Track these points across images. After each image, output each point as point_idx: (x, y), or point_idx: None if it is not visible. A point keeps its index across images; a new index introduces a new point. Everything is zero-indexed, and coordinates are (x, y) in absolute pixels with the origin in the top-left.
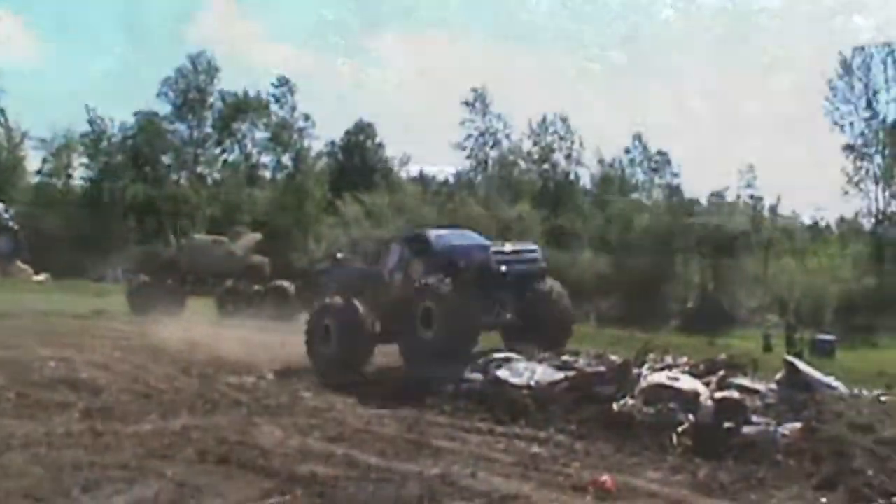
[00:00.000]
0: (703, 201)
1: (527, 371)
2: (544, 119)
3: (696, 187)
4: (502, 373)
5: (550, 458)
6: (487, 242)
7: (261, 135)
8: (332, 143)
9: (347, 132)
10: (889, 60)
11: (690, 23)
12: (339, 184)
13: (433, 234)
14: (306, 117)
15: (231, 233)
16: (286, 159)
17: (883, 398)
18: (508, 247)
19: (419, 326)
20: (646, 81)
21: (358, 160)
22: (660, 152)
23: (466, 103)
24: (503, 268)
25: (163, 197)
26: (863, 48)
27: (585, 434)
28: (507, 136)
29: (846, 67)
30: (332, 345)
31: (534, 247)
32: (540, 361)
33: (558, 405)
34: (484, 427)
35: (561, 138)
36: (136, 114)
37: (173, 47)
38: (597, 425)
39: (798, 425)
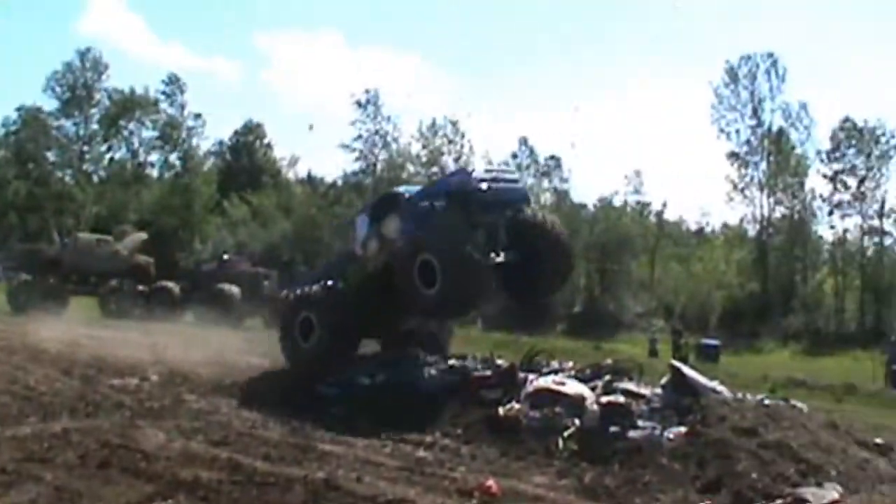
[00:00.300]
0: (591, 206)
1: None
2: (433, 122)
3: (586, 192)
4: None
5: (436, 462)
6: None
7: (149, 133)
8: (221, 142)
9: (236, 132)
10: (773, 69)
11: (583, 26)
12: (226, 184)
13: (401, 189)
14: (197, 116)
15: (116, 232)
16: (174, 158)
17: (766, 402)
18: (481, 169)
19: (419, 285)
20: (537, 86)
21: (246, 160)
22: (551, 157)
23: (358, 104)
24: (483, 185)
25: (47, 194)
26: (748, 57)
27: (471, 438)
28: (396, 139)
29: (732, 76)
30: (316, 339)
31: (511, 169)
32: (427, 365)
33: (445, 409)
34: (370, 430)
35: (450, 142)
36: (18, 109)
37: (60, 42)
38: (483, 429)
39: (683, 429)
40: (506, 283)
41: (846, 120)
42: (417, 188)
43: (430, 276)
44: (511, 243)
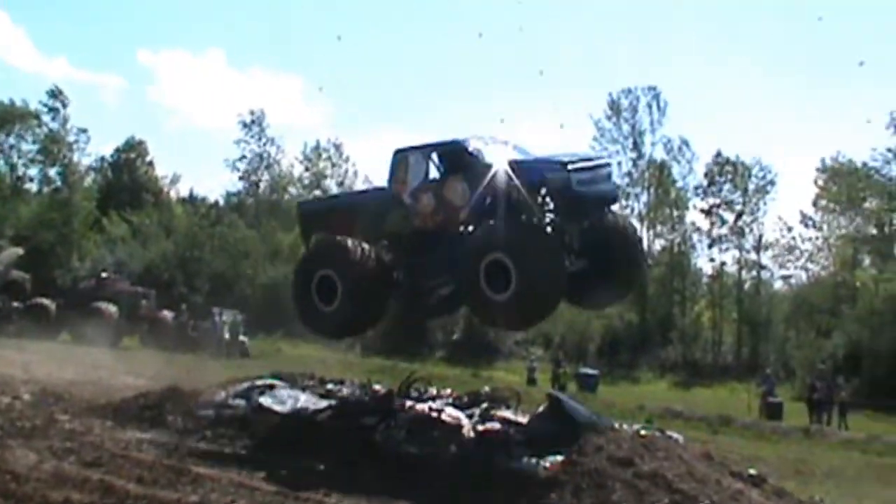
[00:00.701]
0: None
1: (290, 399)
2: (318, 144)
3: None
4: (265, 400)
5: (312, 487)
6: (554, 155)
7: (28, 147)
8: (102, 158)
9: (118, 149)
10: (655, 102)
11: (472, 57)
12: (107, 201)
13: (473, 142)
14: (82, 131)
15: None
16: (53, 173)
17: (643, 432)
18: (579, 156)
19: (484, 286)
20: (422, 111)
21: (127, 178)
22: None
23: (244, 124)
24: (583, 188)
25: None
26: (629, 90)
27: (348, 463)
28: (279, 160)
29: (614, 108)
30: (339, 302)
31: (605, 156)
32: (303, 389)
33: (321, 434)
34: (245, 454)
35: (333, 165)
36: None
37: None
38: (359, 455)
39: (559, 458)
40: (570, 293)
41: (718, 155)
42: (489, 141)
43: (500, 280)
44: (584, 247)
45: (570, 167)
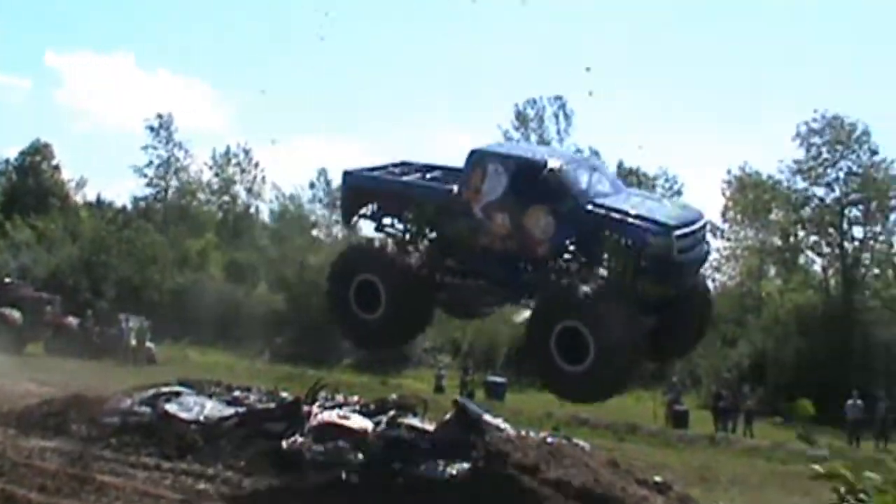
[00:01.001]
0: None
1: (196, 406)
2: (228, 149)
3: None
4: (171, 407)
5: (217, 494)
6: (655, 204)
7: None
8: (7, 161)
9: (23, 152)
10: (562, 112)
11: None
12: (10, 205)
13: (565, 167)
14: None
15: None
16: None
17: (549, 440)
18: (675, 212)
19: (554, 353)
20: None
21: (32, 182)
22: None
23: (151, 129)
24: (682, 257)
25: None
26: (534, 100)
27: (254, 471)
28: (187, 166)
29: (521, 118)
30: (384, 310)
31: (701, 212)
32: (210, 396)
33: (227, 441)
34: (150, 462)
35: (243, 170)
36: None
37: None
38: (266, 462)
39: (465, 466)
40: None
41: (620, 165)
42: (583, 170)
43: (574, 349)
44: (660, 304)
45: (675, 233)
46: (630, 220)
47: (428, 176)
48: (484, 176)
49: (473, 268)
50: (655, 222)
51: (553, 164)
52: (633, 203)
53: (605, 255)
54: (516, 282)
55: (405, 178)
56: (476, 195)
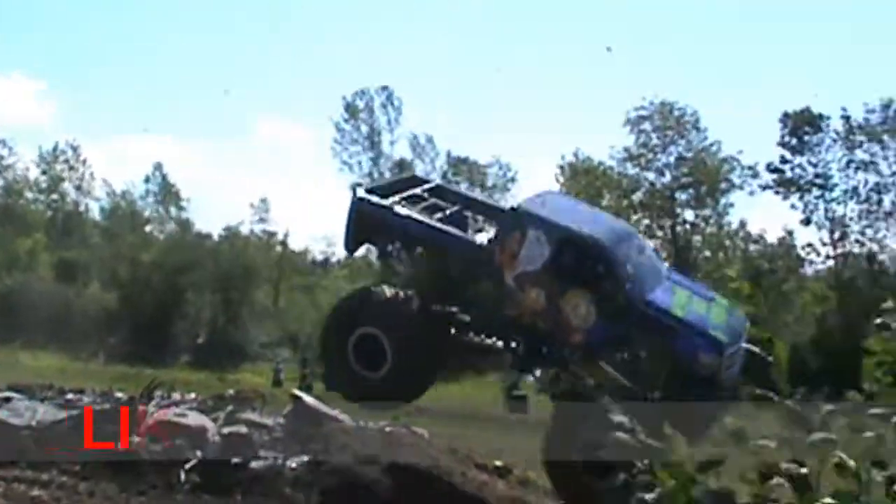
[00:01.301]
0: (216, 235)
1: (28, 411)
2: (56, 146)
3: (210, 221)
4: (1, 413)
5: (53, 500)
6: (703, 305)
7: None
8: None
9: None
10: (390, 102)
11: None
12: None
13: (612, 247)
14: None
15: None
16: None
17: (388, 429)
18: (722, 318)
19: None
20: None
21: None
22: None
23: None
24: (723, 375)
25: None
26: (363, 91)
27: (90, 474)
28: (11, 165)
29: (350, 110)
30: (390, 367)
31: (746, 319)
32: (42, 401)
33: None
34: None
35: (71, 168)
36: None
37: None
38: (102, 465)
39: (305, 458)
40: None
41: (449, 155)
42: (633, 257)
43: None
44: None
45: (725, 352)
46: (682, 328)
47: (447, 211)
48: (523, 241)
49: (489, 332)
50: (707, 337)
51: (601, 240)
52: (682, 302)
53: (643, 350)
54: (537, 357)
55: (430, 223)
56: (511, 261)
